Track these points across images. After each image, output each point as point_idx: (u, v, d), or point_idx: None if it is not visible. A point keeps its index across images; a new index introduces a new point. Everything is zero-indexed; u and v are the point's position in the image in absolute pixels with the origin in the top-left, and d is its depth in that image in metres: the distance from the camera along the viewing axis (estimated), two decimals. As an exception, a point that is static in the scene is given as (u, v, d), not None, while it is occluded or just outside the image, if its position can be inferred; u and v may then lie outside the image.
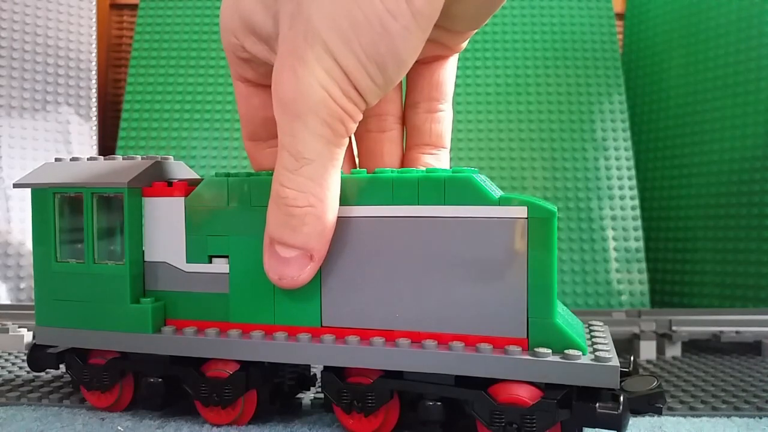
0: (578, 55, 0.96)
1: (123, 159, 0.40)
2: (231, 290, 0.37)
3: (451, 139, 0.42)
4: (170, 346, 0.37)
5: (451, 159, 0.42)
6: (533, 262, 0.33)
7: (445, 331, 0.34)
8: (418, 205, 0.34)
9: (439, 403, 0.34)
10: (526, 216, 0.33)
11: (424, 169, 0.35)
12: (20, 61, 0.86)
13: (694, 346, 0.62)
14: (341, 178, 0.34)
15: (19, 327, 0.61)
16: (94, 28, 0.94)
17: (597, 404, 0.32)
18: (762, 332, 0.59)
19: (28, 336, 0.60)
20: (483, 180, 0.34)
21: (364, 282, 0.35)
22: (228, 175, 0.37)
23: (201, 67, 0.96)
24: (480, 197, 0.33)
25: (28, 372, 0.50)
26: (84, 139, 0.90)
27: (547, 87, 0.94)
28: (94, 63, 0.93)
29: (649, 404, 0.33)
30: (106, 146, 0.97)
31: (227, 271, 0.37)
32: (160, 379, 0.38)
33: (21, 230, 0.81)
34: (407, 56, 0.30)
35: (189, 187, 0.38)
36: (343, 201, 0.34)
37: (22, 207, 0.81)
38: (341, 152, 0.32)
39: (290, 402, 0.41)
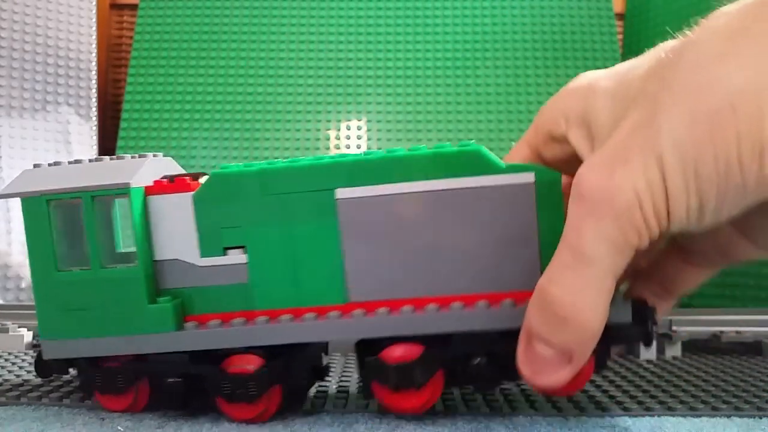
0: (578, 55, 0.96)
1: (111, 159, 0.39)
2: (251, 279, 0.37)
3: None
4: (197, 341, 0.37)
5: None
6: (542, 221, 0.35)
7: (469, 292, 0.36)
8: (433, 179, 0.36)
9: (485, 360, 0.35)
10: (533, 181, 0.35)
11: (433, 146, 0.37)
12: (20, 61, 0.86)
13: (694, 346, 0.61)
14: (353, 160, 0.36)
15: (19, 327, 0.61)
16: (94, 28, 0.94)
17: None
18: (762, 332, 0.59)
19: (28, 336, 0.60)
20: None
21: (387, 255, 0.36)
22: (239, 166, 0.37)
23: (201, 67, 0.96)
24: (490, 167, 0.35)
25: (27, 372, 0.50)
26: (84, 139, 0.90)
27: (547, 87, 0.94)
28: (94, 63, 0.93)
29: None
30: (106, 146, 0.97)
31: (245, 261, 0.37)
32: (180, 379, 0.38)
33: (21, 230, 0.81)
34: (727, 208, 0.29)
35: (193, 182, 0.38)
36: (358, 182, 0.36)
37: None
38: (623, 264, 0.30)
39: (305, 395, 0.41)
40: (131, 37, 1.00)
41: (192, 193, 0.37)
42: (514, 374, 0.34)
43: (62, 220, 0.38)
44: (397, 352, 0.36)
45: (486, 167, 0.35)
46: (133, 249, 0.38)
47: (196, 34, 0.98)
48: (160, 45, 0.97)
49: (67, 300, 0.38)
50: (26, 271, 0.81)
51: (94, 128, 0.92)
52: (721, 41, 0.28)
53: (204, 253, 0.37)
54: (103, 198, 0.37)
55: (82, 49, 0.92)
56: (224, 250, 0.37)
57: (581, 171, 0.30)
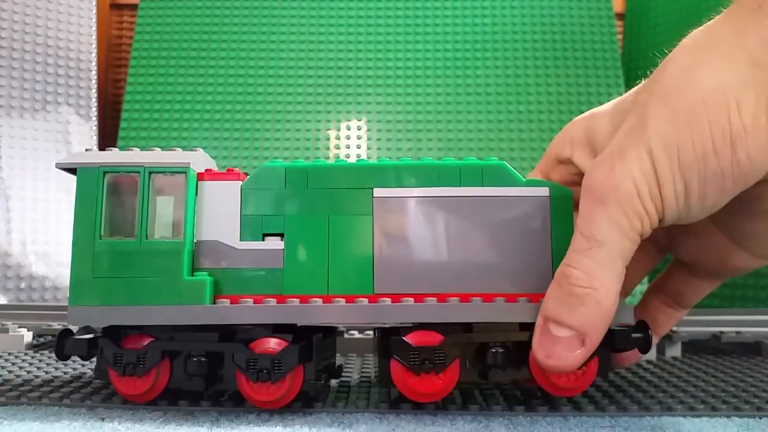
0: (578, 55, 0.96)
1: (162, 149, 0.42)
2: (286, 265, 0.39)
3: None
4: (231, 316, 0.39)
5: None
6: (555, 232, 0.39)
7: (487, 292, 0.39)
8: (461, 186, 0.40)
9: (502, 350, 0.38)
10: (548, 195, 0.39)
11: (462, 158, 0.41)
12: (20, 61, 0.86)
13: (694, 346, 0.61)
14: (391, 164, 0.40)
15: (19, 327, 0.61)
16: (94, 28, 0.94)
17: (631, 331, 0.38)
18: (762, 332, 0.59)
19: (28, 336, 0.60)
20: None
21: (414, 252, 0.39)
22: (286, 162, 0.41)
23: (201, 67, 0.96)
24: (511, 180, 0.40)
25: (28, 372, 0.50)
26: (84, 139, 0.90)
27: (547, 87, 0.94)
28: (94, 63, 0.93)
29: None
30: (106, 146, 0.97)
31: (281, 247, 0.40)
32: (204, 358, 0.39)
33: (21, 230, 0.81)
34: (711, 194, 0.32)
35: (242, 173, 0.41)
36: (395, 184, 0.40)
37: (22, 207, 0.82)
38: (631, 248, 0.34)
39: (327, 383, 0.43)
40: (131, 37, 1.00)
41: (241, 182, 0.41)
42: (526, 369, 0.38)
43: (113, 193, 0.41)
44: (420, 336, 0.38)
45: (508, 180, 0.40)
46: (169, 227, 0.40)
47: (196, 34, 0.98)
48: (160, 45, 0.97)
49: (104, 267, 0.40)
50: (26, 272, 0.81)
51: (94, 128, 0.92)
52: (692, 54, 0.33)
53: (244, 237, 0.40)
54: (159, 174, 0.40)
55: (82, 49, 0.92)
56: (263, 237, 0.40)
57: (589, 171, 0.35)
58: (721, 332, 0.59)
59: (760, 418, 0.38)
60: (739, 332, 0.59)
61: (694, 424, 0.37)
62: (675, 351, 0.58)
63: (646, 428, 0.36)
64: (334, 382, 0.46)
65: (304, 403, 0.40)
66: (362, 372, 0.50)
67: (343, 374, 0.48)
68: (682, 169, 0.32)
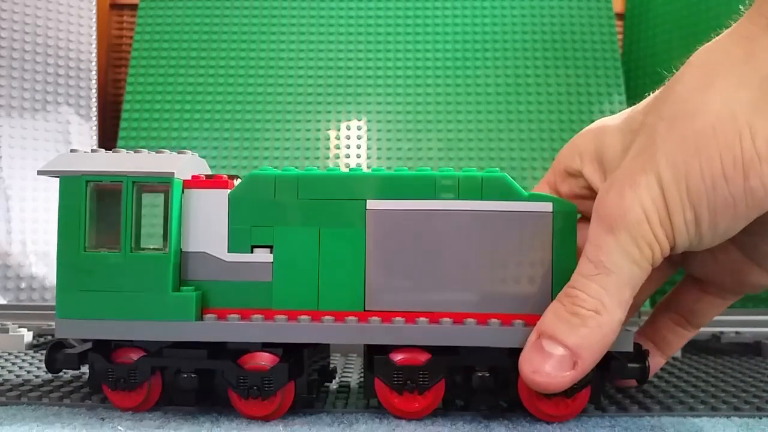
0: (578, 55, 0.96)
1: (150, 152, 0.40)
2: (275, 278, 0.38)
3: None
4: (218, 333, 0.38)
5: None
6: (557, 249, 0.37)
7: (483, 311, 0.37)
8: (459, 199, 0.38)
9: (488, 374, 0.36)
10: (551, 210, 0.37)
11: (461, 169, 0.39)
12: (20, 61, 0.86)
13: (694, 347, 0.61)
14: (386, 174, 0.38)
15: (19, 327, 0.61)
16: (94, 28, 0.94)
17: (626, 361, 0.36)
18: (762, 332, 0.59)
19: (28, 336, 0.60)
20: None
21: (408, 268, 0.38)
22: (276, 170, 0.39)
23: (201, 67, 0.96)
24: (512, 194, 0.38)
25: (27, 372, 0.50)
26: (84, 139, 0.90)
27: (547, 87, 0.94)
28: (94, 63, 0.93)
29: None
30: (106, 146, 0.97)
31: (270, 260, 0.38)
32: (194, 375, 0.38)
33: (21, 230, 0.81)
34: (722, 222, 0.32)
35: (231, 180, 0.40)
36: (389, 196, 0.38)
37: (22, 207, 0.81)
38: (641, 276, 0.33)
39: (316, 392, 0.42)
40: (131, 37, 1.00)
41: (229, 190, 0.39)
42: (514, 394, 0.37)
43: (97, 202, 0.39)
44: (404, 355, 0.37)
45: (509, 194, 0.38)
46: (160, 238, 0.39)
47: (196, 34, 0.98)
48: (160, 45, 0.97)
49: (89, 280, 0.38)
50: (26, 272, 0.81)
51: (94, 128, 0.92)
52: (701, 75, 0.32)
53: (232, 249, 0.39)
54: (143, 184, 0.39)
55: (82, 49, 0.92)
56: (252, 248, 0.39)
57: (599, 195, 0.34)
58: (721, 332, 0.59)
59: (760, 418, 0.38)
60: (739, 332, 0.59)
61: (694, 424, 0.37)
62: (675, 351, 0.58)
63: (646, 428, 0.36)
64: (333, 384, 0.46)
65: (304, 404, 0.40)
66: (362, 373, 0.50)
67: (343, 375, 0.48)
68: (691, 198, 0.31)
